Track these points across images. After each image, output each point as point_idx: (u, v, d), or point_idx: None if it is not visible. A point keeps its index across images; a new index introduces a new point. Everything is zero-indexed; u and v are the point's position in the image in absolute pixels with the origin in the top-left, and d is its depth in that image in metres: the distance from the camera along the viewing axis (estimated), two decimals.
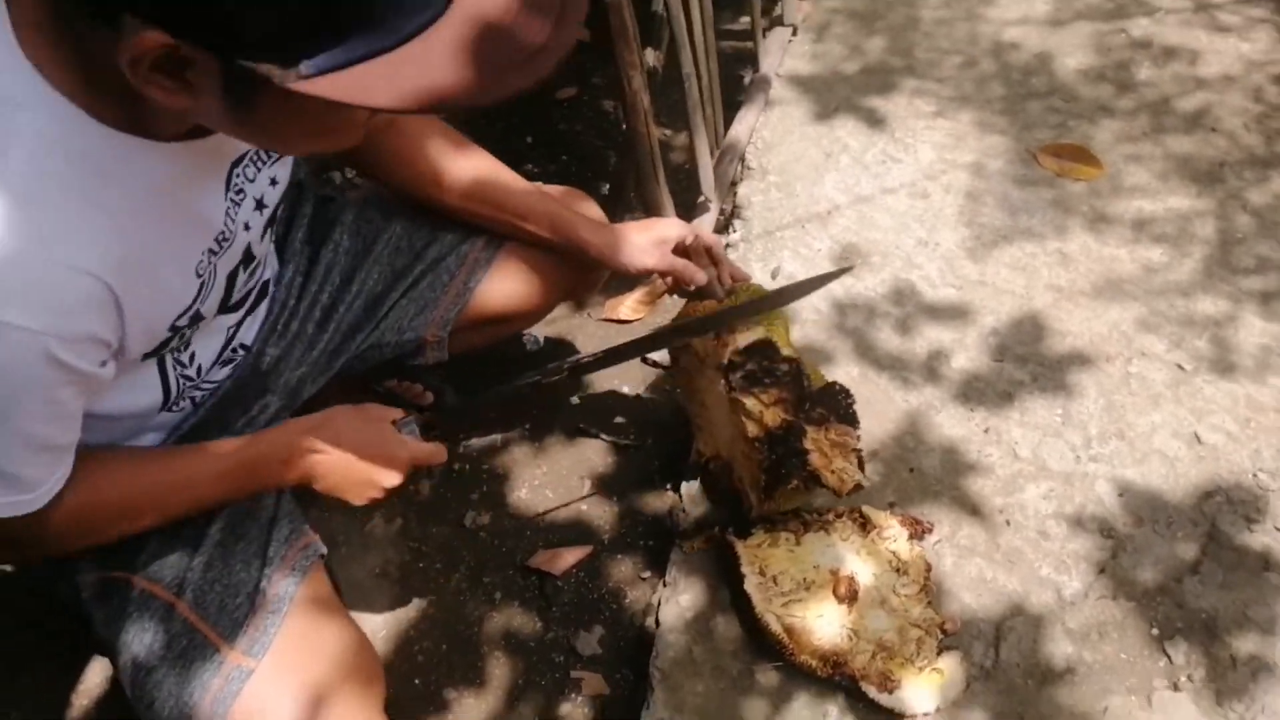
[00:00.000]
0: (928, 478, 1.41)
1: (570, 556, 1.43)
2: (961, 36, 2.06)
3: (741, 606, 1.28)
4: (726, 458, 1.36)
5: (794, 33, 2.07)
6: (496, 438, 1.56)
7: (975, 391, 1.50)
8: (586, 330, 1.71)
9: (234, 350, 1.10)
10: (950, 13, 2.11)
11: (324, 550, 1.06)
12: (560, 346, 1.69)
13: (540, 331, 1.71)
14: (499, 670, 1.34)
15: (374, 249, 1.23)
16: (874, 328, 1.60)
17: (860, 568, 1.27)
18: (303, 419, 1.03)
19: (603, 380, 1.62)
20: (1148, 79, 1.93)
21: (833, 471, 1.23)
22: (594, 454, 1.55)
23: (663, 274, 1.24)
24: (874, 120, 1.92)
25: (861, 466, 1.25)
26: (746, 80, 2.02)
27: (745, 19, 1.97)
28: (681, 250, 1.26)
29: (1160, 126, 1.84)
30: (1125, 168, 1.79)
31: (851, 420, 1.25)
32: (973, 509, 1.37)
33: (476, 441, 1.56)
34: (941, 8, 2.13)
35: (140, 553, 0.98)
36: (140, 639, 0.95)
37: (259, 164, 0.91)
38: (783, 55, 2.02)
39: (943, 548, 1.34)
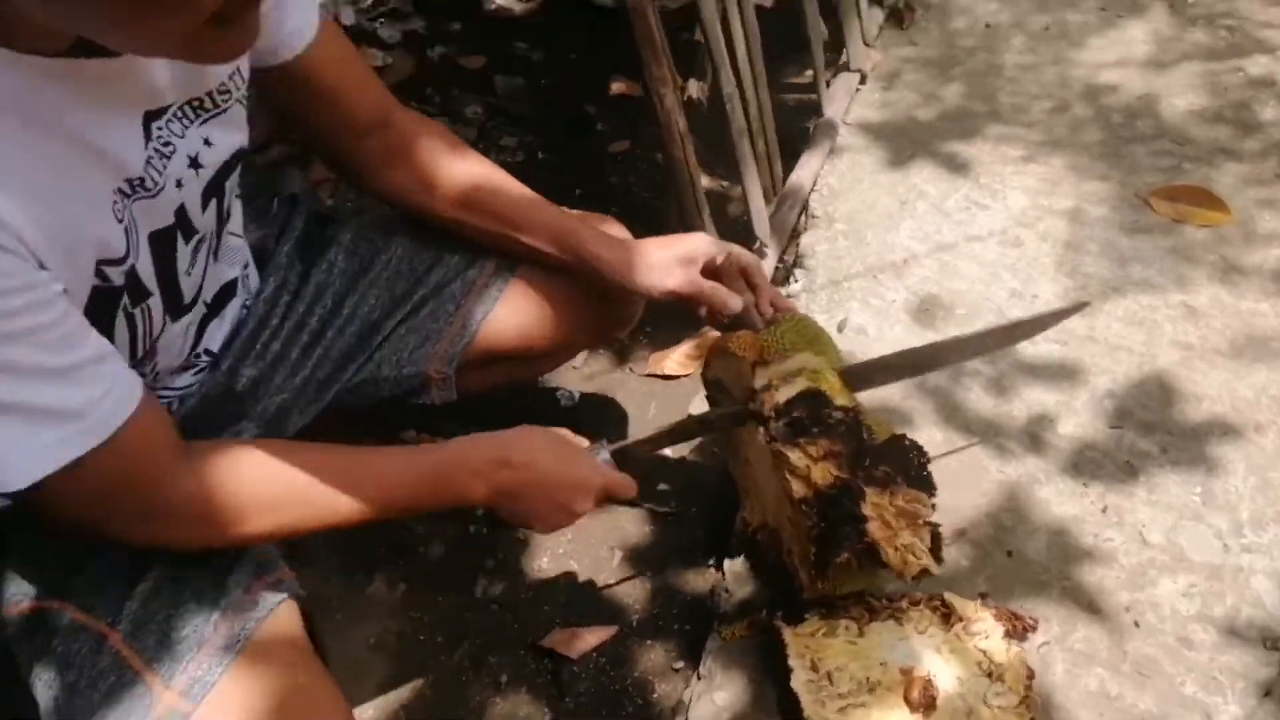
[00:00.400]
0: (1031, 564, 1.15)
1: (591, 638, 1.20)
2: (1050, 81, 1.87)
3: (789, 709, 1.02)
4: (774, 526, 1.12)
5: (862, 80, 1.91)
6: None
7: (1089, 463, 1.24)
8: (628, 387, 1.51)
9: (196, 355, 0.95)
10: (1035, 58, 1.93)
11: (300, 591, 0.86)
12: (602, 405, 1.49)
13: (577, 388, 1.51)
14: None
15: (371, 271, 1.08)
16: (961, 387, 1.36)
17: (940, 668, 1.00)
18: (491, 433, 0.94)
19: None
20: (1275, 119, 1.70)
21: (896, 548, 0.99)
22: (628, 522, 1.32)
23: (686, 298, 1.05)
24: (955, 166, 1.72)
25: (937, 546, 1.01)
26: (810, 129, 1.86)
27: (809, 72, 1.83)
28: (712, 272, 1.07)
29: None
30: (1258, 213, 1.54)
31: (924, 484, 1.01)
32: (1090, 605, 1.10)
33: None
34: (1025, 53, 1.95)
35: (77, 574, 0.81)
36: (64, 675, 0.77)
37: (185, 120, 0.79)
38: (849, 102, 1.86)
39: (1051, 651, 1.06)
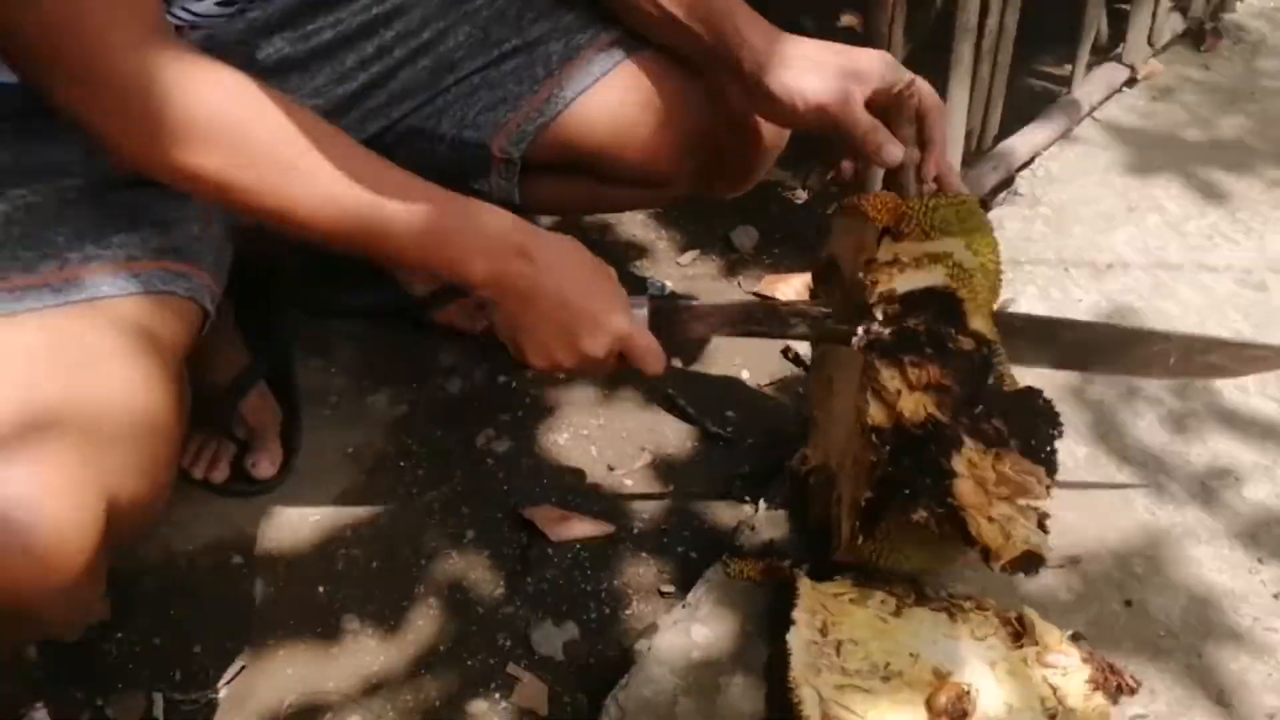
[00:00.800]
0: (1153, 623, 0.85)
1: (580, 527, 1.00)
2: None
3: (773, 672, 0.79)
4: (834, 469, 0.89)
5: (1130, 82, 1.62)
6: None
7: (1273, 539, 0.93)
8: (729, 300, 1.30)
9: None
10: None
11: (206, 300, 0.72)
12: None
13: (670, 283, 1.32)
14: (423, 623, 0.92)
15: (472, 1, 0.93)
16: (1132, 411, 1.07)
17: (989, 686, 0.74)
18: (525, 219, 0.76)
19: (723, 356, 1.21)
20: None
21: (991, 518, 0.73)
22: (671, 430, 1.12)
23: (837, 125, 0.81)
24: (1210, 192, 1.41)
25: (1043, 530, 0.75)
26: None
27: (1069, 66, 1.57)
28: (880, 105, 0.82)
29: None
30: None
31: (1044, 460, 0.75)
32: (1219, 695, 0.80)
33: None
34: None
35: None
36: None
37: None
38: (1106, 97, 1.57)
39: None
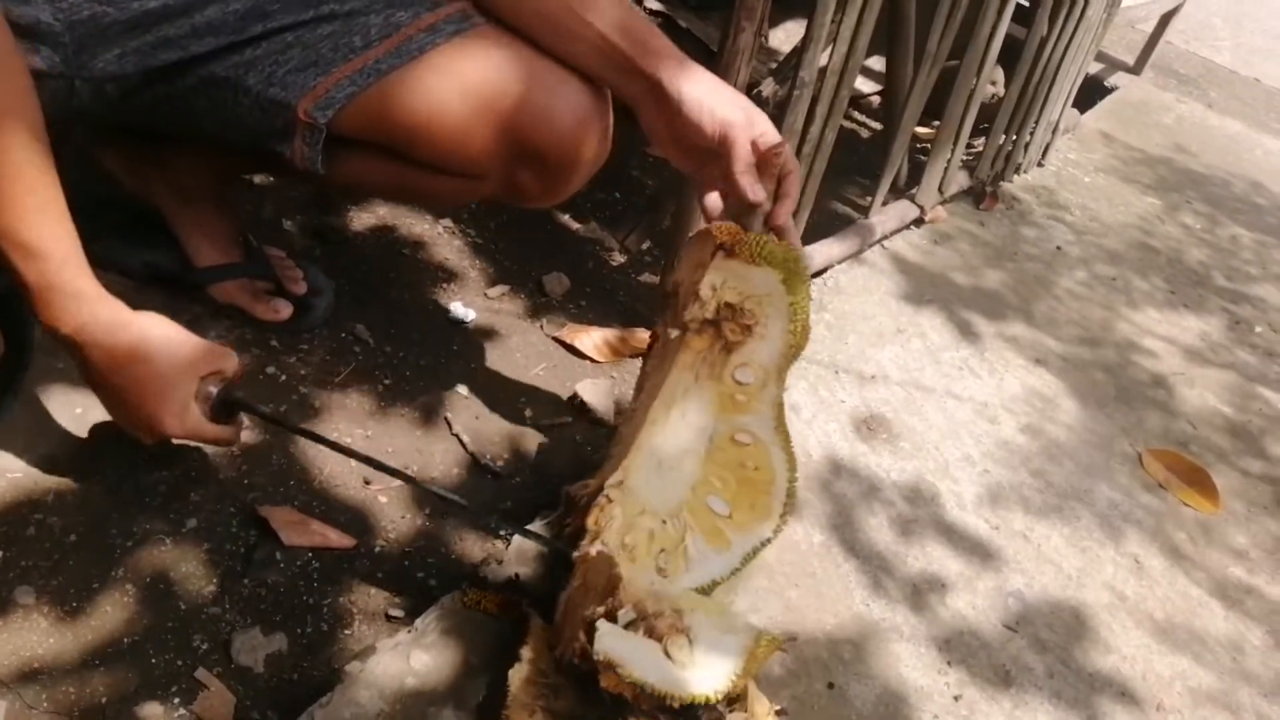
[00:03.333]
0: (848, 708, 0.91)
1: (319, 536, 0.95)
2: (1093, 318, 1.75)
3: (487, 709, 0.77)
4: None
5: (917, 222, 1.80)
6: (327, 371, 1.13)
7: (964, 648, 1.02)
8: (528, 339, 1.31)
9: None
10: (1089, 293, 1.82)
11: None
12: (490, 339, 1.28)
13: (477, 307, 1.31)
14: (111, 610, 0.83)
15: None
16: (869, 509, 1.15)
17: None
18: (120, 304, 0.82)
19: (510, 393, 1.20)
20: None
21: None
22: (440, 454, 1.09)
23: (728, 147, 0.88)
24: (967, 330, 1.57)
25: None
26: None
27: (870, 198, 1.72)
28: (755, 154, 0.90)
29: None
30: (1240, 524, 1.37)
31: None
32: None
33: (296, 361, 1.14)
34: (1081, 285, 1.84)
35: None
36: None
37: None
38: (897, 229, 1.74)
39: None
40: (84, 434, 0.96)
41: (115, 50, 0.84)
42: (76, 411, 0.98)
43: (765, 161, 0.90)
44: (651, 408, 0.91)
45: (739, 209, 0.92)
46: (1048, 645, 1.06)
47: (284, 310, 1.15)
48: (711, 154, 0.91)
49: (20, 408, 0.96)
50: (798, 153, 1.39)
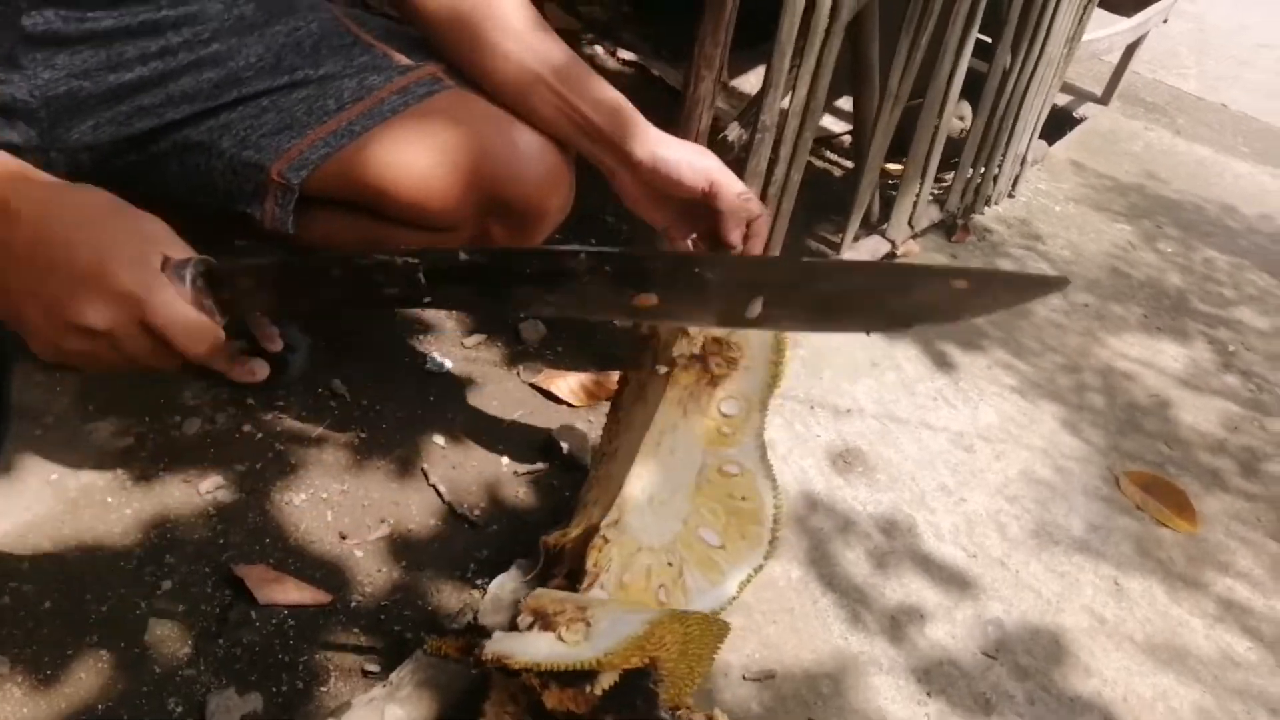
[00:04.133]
0: None
1: (294, 593, 0.96)
2: (1071, 345, 1.77)
3: None
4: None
5: (890, 256, 1.82)
6: (304, 426, 1.14)
7: (943, 677, 1.02)
8: (504, 386, 1.32)
9: None
10: (1066, 321, 1.84)
11: None
12: (467, 389, 1.30)
13: (453, 356, 1.33)
14: (86, 676, 0.83)
15: (271, 27, 0.92)
16: (845, 543, 1.16)
17: None
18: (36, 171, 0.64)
19: (486, 438, 1.21)
20: (1273, 475, 1.56)
21: None
22: (416, 506, 1.10)
23: (714, 187, 0.92)
24: (941, 361, 1.59)
25: None
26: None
27: (842, 235, 1.75)
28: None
29: (1277, 526, 1.43)
30: (1222, 540, 1.37)
31: None
32: None
33: (261, 411, 1.15)
34: (1057, 313, 1.86)
35: None
36: None
37: None
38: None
39: None
40: (59, 502, 0.97)
41: (90, 121, 0.86)
42: (52, 478, 0.99)
43: (733, 208, 0.94)
44: (641, 445, 0.93)
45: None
46: (1028, 671, 1.06)
47: (261, 371, 1.15)
48: (686, 205, 0.96)
49: None
50: (763, 195, 1.42)
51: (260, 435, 1.12)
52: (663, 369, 0.96)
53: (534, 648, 0.69)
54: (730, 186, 0.93)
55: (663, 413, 0.94)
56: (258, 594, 0.94)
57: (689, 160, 0.94)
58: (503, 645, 0.70)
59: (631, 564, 0.89)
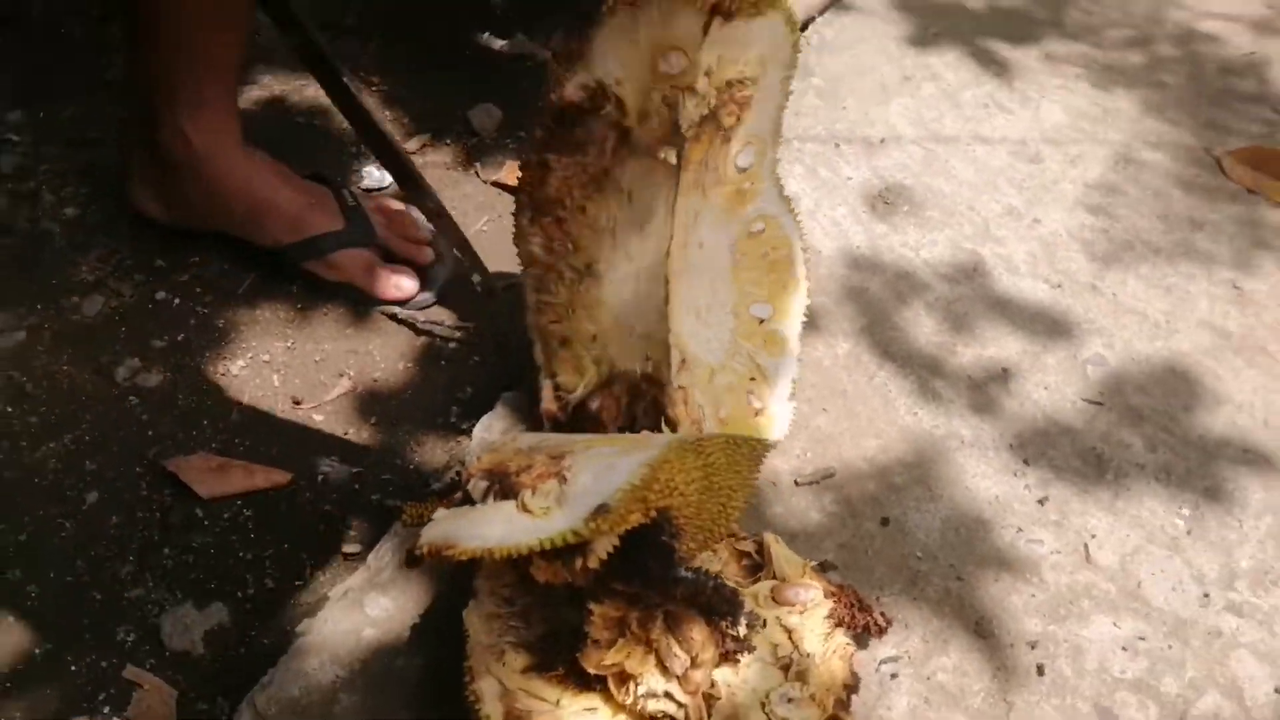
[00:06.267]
0: (911, 542, 0.75)
1: (243, 479, 0.79)
2: (1140, 12, 1.46)
3: (458, 651, 0.63)
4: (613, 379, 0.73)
5: None
6: (229, 281, 0.94)
7: (1041, 438, 0.84)
8: (465, 191, 1.09)
9: None
10: None
11: None
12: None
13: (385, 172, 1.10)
14: (18, 621, 0.70)
15: None
16: (899, 300, 0.95)
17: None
18: None
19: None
20: None
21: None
22: (379, 351, 0.92)
23: None
24: (988, 61, 1.31)
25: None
26: None
27: None
28: None
29: None
30: None
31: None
32: (978, 624, 0.70)
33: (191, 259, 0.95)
34: None
35: None
36: None
37: None
38: None
39: (899, 672, 0.67)
40: None
41: None
42: None
43: None
44: (669, 260, 0.71)
45: None
46: (1143, 413, 0.87)
47: (409, 286, 0.94)
48: None
49: None
50: None
51: (178, 301, 0.93)
52: (667, 154, 0.72)
53: (485, 528, 0.51)
54: None
55: (683, 208, 0.71)
56: (199, 489, 0.78)
57: None
58: (443, 529, 0.53)
59: (715, 394, 0.73)
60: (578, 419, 0.74)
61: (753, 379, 0.76)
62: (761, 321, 0.78)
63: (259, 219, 0.91)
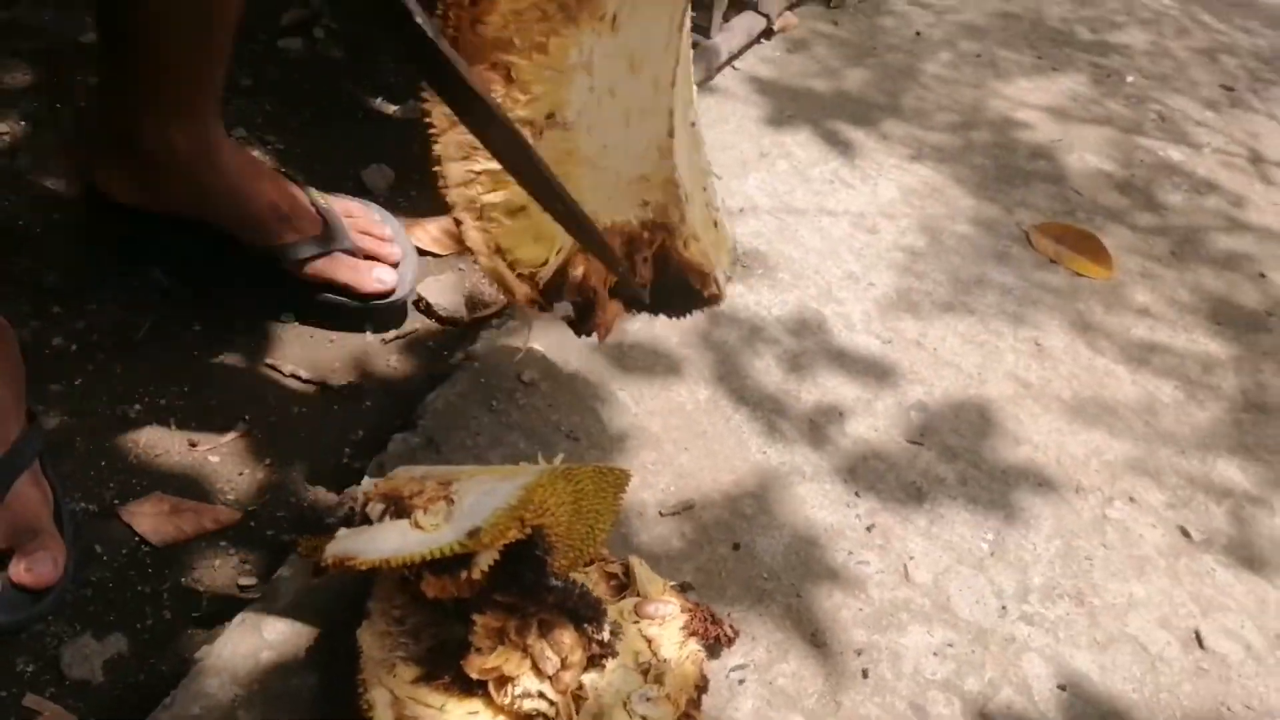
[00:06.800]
0: (758, 565, 0.86)
1: (194, 520, 0.83)
2: (964, 100, 1.66)
3: (350, 666, 0.69)
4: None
5: (766, 34, 1.66)
6: (124, 328, 0.99)
7: (870, 472, 0.97)
8: None
9: None
10: (955, 75, 1.73)
11: None
12: None
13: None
14: None
15: None
16: (752, 351, 1.08)
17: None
18: None
19: (341, 311, 1.07)
20: (1179, 206, 1.52)
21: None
22: (275, 397, 0.97)
23: None
24: (834, 140, 1.47)
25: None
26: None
27: (708, 19, 1.58)
28: None
29: (1187, 255, 1.40)
30: (1137, 281, 1.34)
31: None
32: (813, 635, 0.81)
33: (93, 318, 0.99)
34: (947, 68, 1.74)
35: None
36: None
37: None
38: (746, 45, 1.61)
39: (745, 678, 0.77)
40: None
41: None
42: None
43: None
44: (675, 84, 0.70)
45: None
46: (957, 451, 1.02)
47: (389, 278, 0.99)
48: None
49: None
50: None
51: (75, 347, 0.96)
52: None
53: (382, 542, 0.59)
54: None
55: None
56: (152, 537, 0.81)
57: None
58: (345, 544, 0.60)
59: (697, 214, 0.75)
60: (555, 289, 0.71)
61: (705, 189, 0.79)
62: (693, 124, 0.78)
63: (251, 223, 0.95)
